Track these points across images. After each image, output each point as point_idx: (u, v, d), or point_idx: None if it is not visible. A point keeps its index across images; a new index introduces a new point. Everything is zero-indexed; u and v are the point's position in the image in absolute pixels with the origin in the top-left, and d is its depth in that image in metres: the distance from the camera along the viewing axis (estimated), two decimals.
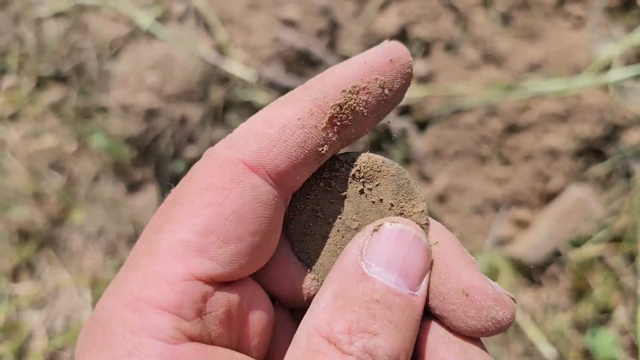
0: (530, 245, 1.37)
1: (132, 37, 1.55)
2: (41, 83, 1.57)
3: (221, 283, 0.44)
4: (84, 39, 1.56)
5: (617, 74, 1.38)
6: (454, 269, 0.46)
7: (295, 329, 0.51)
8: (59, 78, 1.57)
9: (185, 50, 1.50)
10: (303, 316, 0.52)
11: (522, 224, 1.41)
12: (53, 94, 1.56)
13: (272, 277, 0.50)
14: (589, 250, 1.35)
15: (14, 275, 1.49)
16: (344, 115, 0.47)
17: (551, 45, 1.42)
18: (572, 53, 1.41)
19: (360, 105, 0.47)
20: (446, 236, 0.49)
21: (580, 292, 1.37)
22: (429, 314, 0.48)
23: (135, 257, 0.43)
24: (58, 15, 1.58)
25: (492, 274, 1.38)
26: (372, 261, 0.44)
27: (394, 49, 0.49)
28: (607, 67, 1.39)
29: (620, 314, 1.34)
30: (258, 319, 0.47)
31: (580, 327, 1.35)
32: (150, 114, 1.49)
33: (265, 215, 0.45)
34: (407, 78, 0.50)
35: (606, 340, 1.31)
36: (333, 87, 0.47)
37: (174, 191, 0.45)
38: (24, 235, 1.51)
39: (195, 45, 1.51)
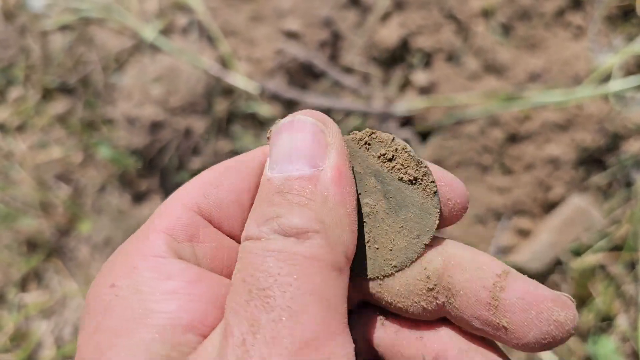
0: (532, 254, 1.38)
1: (136, 50, 1.56)
2: (47, 95, 1.58)
3: (216, 225, 0.48)
4: (90, 51, 1.57)
5: (618, 83, 1.38)
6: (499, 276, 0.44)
7: None
8: (65, 90, 1.58)
9: (189, 63, 1.52)
10: None
11: (524, 233, 1.42)
12: (59, 105, 1.57)
13: None
14: (590, 259, 1.36)
15: (23, 285, 1.51)
16: None
17: (552, 55, 1.43)
18: (572, 63, 1.42)
19: None
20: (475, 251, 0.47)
21: (581, 300, 1.37)
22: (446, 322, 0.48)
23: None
24: (64, 28, 1.60)
25: None
26: (273, 163, 0.45)
27: None
28: (607, 77, 1.40)
29: (622, 322, 1.35)
30: None
31: (582, 334, 1.36)
32: (155, 126, 1.50)
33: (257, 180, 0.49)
34: None
35: (608, 347, 1.32)
36: None
37: None
38: (31, 245, 1.52)
39: (198, 57, 1.52)
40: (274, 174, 0.44)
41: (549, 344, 0.43)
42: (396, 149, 0.50)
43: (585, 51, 1.42)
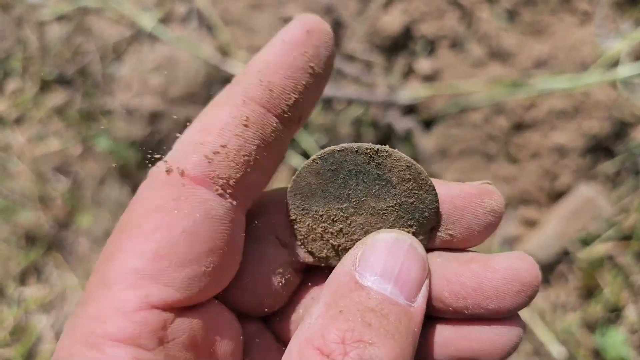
0: (539, 244, 1.36)
1: (135, 40, 1.54)
2: (45, 86, 1.57)
3: (182, 308, 0.41)
4: (87, 41, 1.56)
5: (625, 69, 1.36)
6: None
7: (270, 338, 0.51)
8: (63, 81, 1.57)
9: (189, 52, 1.50)
10: (277, 323, 0.52)
11: (530, 223, 1.40)
12: (57, 97, 1.56)
13: (237, 293, 0.48)
14: (598, 249, 1.34)
15: (22, 279, 1.50)
16: (279, 101, 0.45)
17: (558, 41, 1.41)
18: (579, 49, 1.40)
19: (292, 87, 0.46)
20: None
21: (589, 291, 1.35)
22: (432, 319, 0.47)
23: (89, 290, 0.41)
24: (61, 18, 1.58)
25: None
26: (366, 271, 0.42)
27: (309, 21, 0.47)
28: (614, 63, 1.37)
29: (630, 313, 1.33)
30: (227, 341, 0.45)
31: (590, 326, 1.34)
32: (155, 117, 1.48)
33: (220, 231, 0.42)
34: (329, 47, 0.48)
35: (616, 339, 1.31)
36: (260, 75, 0.45)
37: (123, 216, 0.43)
38: (31, 238, 1.51)
39: (198, 46, 1.50)
40: (367, 283, 0.41)
41: (489, 231, 0.47)
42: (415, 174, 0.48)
43: (592, 37, 1.40)
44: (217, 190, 0.43)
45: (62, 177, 1.53)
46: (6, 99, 1.58)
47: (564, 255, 1.37)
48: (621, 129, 1.38)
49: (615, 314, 1.34)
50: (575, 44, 1.40)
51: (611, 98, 1.36)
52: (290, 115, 0.46)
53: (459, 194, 0.47)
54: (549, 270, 1.37)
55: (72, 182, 1.52)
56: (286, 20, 1.49)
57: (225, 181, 0.43)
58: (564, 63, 1.39)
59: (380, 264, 0.42)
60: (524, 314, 1.36)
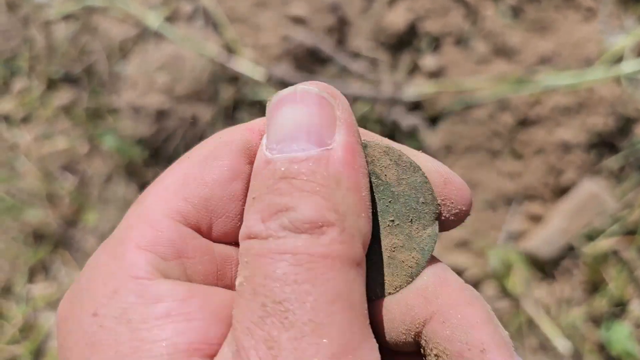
0: (543, 239, 1.36)
1: (141, 38, 1.55)
2: (52, 85, 1.58)
3: (204, 234, 0.42)
4: (93, 40, 1.56)
5: (630, 65, 1.36)
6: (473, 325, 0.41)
7: None
8: (70, 80, 1.57)
9: (195, 50, 1.50)
10: None
11: (535, 219, 1.40)
12: (64, 95, 1.57)
13: None
14: (603, 244, 1.35)
15: (30, 277, 1.50)
16: None
17: (562, 37, 1.41)
18: (583, 45, 1.40)
19: None
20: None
21: (594, 286, 1.36)
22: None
23: (128, 210, 0.42)
24: (67, 17, 1.58)
25: (506, 269, 1.37)
26: (272, 142, 0.39)
27: None
28: (619, 59, 1.38)
29: (635, 307, 1.34)
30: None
31: (595, 320, 1.35)
32: (161, 115, 1.49)
33: (249, 166, 0.43)
34: None
35: (621, 333, 1.31)
36: None
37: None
38: (38, 236, 1.52)
39: (204, 44, 1.50)
40: (274, 155, 0.38)
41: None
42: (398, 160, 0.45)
43: (596, 33, 1.40)
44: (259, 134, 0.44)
45: (69, 175, 1.53)
46: (13, 98, 1.58)
47: (569, 251, 1.37)
48: (625, 125, 1.38)
49: (620, 308, 1.35)
50: (579, 41, 1.40)
51: (615, 94, 1.37)
52: None
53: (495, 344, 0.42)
54: (554, 265, 1.38)
55: (79, 180, 1.53)
56: (292, 18, 1.49)
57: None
58: (568, 59, 1.40)
59: (279, 126, 0.39)
60: (529, 306, 1.37)
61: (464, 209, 0.45)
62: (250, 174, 0.42)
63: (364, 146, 0.44)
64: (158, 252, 0.39)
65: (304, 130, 0.38)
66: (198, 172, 0.41)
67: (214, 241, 0.42)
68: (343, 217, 0.37)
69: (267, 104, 0.41)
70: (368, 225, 0.39)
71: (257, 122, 0.45)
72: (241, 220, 0.42)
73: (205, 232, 0.42)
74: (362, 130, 0.46)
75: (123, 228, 0.40)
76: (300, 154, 0.38)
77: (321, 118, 0.39)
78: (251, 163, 0.43)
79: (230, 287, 0.42)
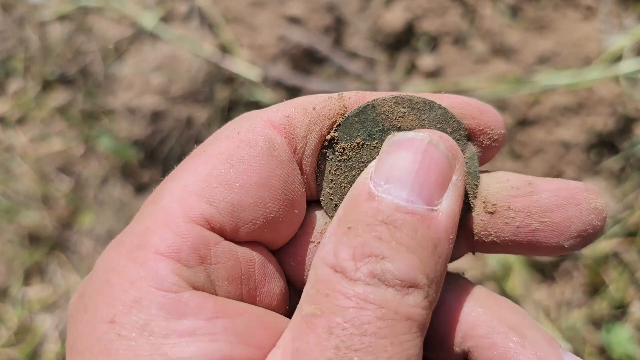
0: None
1: (136, 39, 1.54)
2: (47, 86, 1.57)
3: (227, 236, 0.41)
4: (89, 41, 1.55)
5: (629, 65, 1.35)
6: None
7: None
8: (65, 81, 1.57)
9: (190, 51, 1.49)
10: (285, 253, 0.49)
11: None
12: (59, 96, 1.56)
13: (290, 257, 0.46)
14: (603, 245, 1.34)
15: (26, 279, 1.50)
16: None
17: (561, 37, 1.40)
18: (582, 44, 1.39)
19: None
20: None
21: (595, 288, 1.35)
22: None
23: (141, 209, 0.41)
24: (62, 18, 1.58)
25: (505, 270, 1.36)
26: (381, 179, 0.38)
27: None
28: (618, 58, 1.36)
29: (636, 309, 1.33)
30: (275, 291, 0.43)
31: (596, 323, 1.34)
32: (157, 116, 1.48)
33: (276, 171, 0.42)
34: None
35: (622, 336, 1.30)
36: None
37: (201, 144, 0.44)
38: (34, 239, 1.51)
39: (199, 45, 1.50)
40: (380, 192, 0.38)
41: (590, 236, 0.42)
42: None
43: (595, 32, 1.39)
44: (282, 133, 0.43)
45: (65, 177, 1.53)
46: (9, 99, 1.58)
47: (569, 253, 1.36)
48: (625, 125, 1.37)
49: (620, 310, 1.34)
50: (578, 40, 1.39)
51: (615, 94, 1.36)
52: None
53: (563, 185, 0.43)
54: (554, 267, 1.37)
55: (75, 182, 1.52)
56: (288, 18, 1.48)
57: (295, 132, 0.43)
58: (568, 59, 1.39)
59: (395, 167, 0.38)
60: (529, 309, 1.36)
61: (502, 132, 0.47)
62: (278, 176, 0.42)
63: (372, 106, 0.45)
64: (181, 259, 0.37)
65: (418, 182, 0.38)
66: (223, 175, 0.40)
67: (238, 243, 0.41)
68: (430, 283, 0.37)
69: (390, 137, 0.41)
70: (438, 295, 0.39)
71: (276, 113, 0.43)
72: (269, 224, 0.42)
73: (230, 236, 0.41)
74: (364, 93, 0.46)
75: (141, 231, 0.39)
76: (408, 206, 0.37)
77: (437, 177, 0.39)
78: (280, 165, 0.42)
79: (254, 291, 0.42)
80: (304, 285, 0.42)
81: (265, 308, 0.42)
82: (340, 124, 0.46)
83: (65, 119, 1.54)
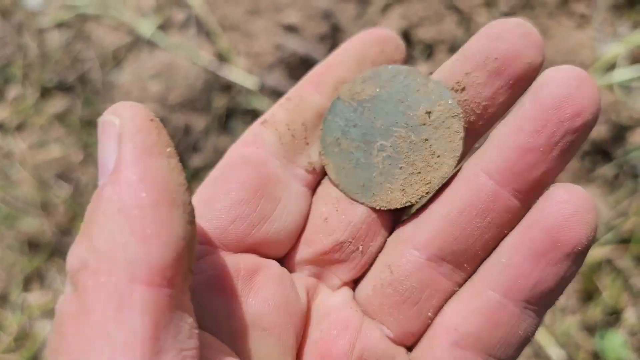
0: None
1: (134, 46, 1.55)
2: (46, 93, 1.57)
3: (213, 246, 0.45)
4: (87, 48, 1.56)
5: (623, 73, 1.36)
6: None
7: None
8: (63, 88, 1.57)
9: (188, 59, 1.50)
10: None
11: None
12: (58, 103, 1.56)
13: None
14: (597, 252, 1.34)
15: (26, 285, 1.50)
16: None
17: (556, 44, 1.41)
18: (576, 52, 1.39)
19: None
20: None
21: (588, 294, 1.36)
22: None
23: None
24: (60, 25, 1.58)
25: None
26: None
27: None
28: (612, 66, 1.37)
29: (630, 315, 1.34)
30: (265, 297, 0.45)
31: (589, 329, 1.34)
32: None
33: (269, 180, 0.47)
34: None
35: (615, 342, 1.31)
36: None
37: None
38: (33, 245, 1.51)
39: (197, 53, 1.50)
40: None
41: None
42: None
43: (589, 40, 1.40)
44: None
45: (64, 184, 1.53)
46: (7, 106, 1.58)
47: None
48: (619, 133, 1.38)
49: (614, 316, 1.34)
50: (573, 48, 1.40)
51: (609, 101, 1.36)
52: None
53: None
54: None
55: (74, 189, 1.53)
56: (285, 26, 1.49)
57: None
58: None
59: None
60: None
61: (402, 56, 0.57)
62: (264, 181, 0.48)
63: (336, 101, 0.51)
64: None
65: (101, 163, 0.36)
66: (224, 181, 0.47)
67: (224, 252, 0.46)
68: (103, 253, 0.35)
69: None
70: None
71: None
72: (264, 231, 0.47)
73: (214, 244, 0.45)
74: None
75: None
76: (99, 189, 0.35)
77: (102, 144, 0.37)
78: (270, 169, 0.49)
79: (238, 301, 0.44)
80: None
81: (257, 313, 0.45)
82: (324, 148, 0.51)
83: (64, 126, 1.55)
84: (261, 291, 0.44)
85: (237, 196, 0.46)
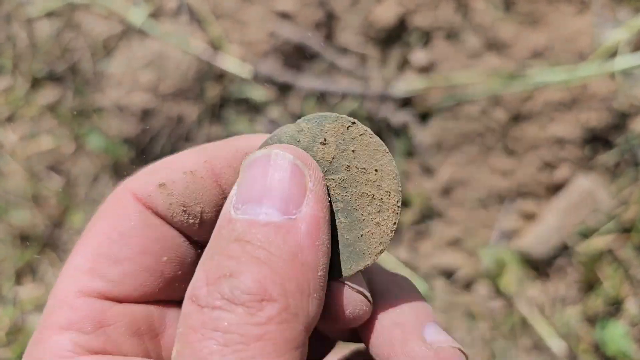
0: (537, 238, 1.34)
1: (125, 35, 1.52)
2: (36, 84, 1.55)
3: (123, 300, 0.43)
4: (77, 38, 1.54)
5: (624, 60, 1.33)
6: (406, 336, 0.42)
7: None
8: (54, 78, 1.55)
9: (180, 47, 1.48)
10: None
11: (529, 217, 1.38)
12: (49, 94, 1.54)
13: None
14: (598, 242, 1.33)
15: (17, 279, 1.49)
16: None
17: (555, 31, 1.38)
18: (576, 39, 1.37)
19: None
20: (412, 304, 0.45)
21: (589, 285, 1.34)
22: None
23: (51, 291, 0.45)
24: (50, 14, 1.56)
25: (499, 268, 1.36)
26: (239, 202, 0.37)
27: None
28: (613, 54, 1.35)
29: (631, 306, 1.32)
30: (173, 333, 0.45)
31: (590, 320, 1.33)
32: (146, 114, 1.46)
33: (152, 238, 0.44)
34: None
35: (616, 333, 1.29)
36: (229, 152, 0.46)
37: (87, 225, 0.47)
38: (25, 238, 1.50)
39: (189, 41, 1.48)
40: (238, 215, 0.37)
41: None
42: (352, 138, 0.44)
43: (589, 26, 1.37)
44: (149, 209, 0.45)
45: (55, 176, 1.52)
46: None
47: (563, 249, 1.35)
48: (620, 120, 1.36)
49: (615, 307, 1.33)
50: (572, 34, 1.38)
51: (610, 89, 1.34)
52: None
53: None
54: (548, 264, 1.36)
55: (65, 181, 1.51)
56: (278, 13, 1.46)
57: (158, 209, 0.45)
58: (561, 53, 1.37)
59: (249, 187, 0.38)
60: (522, 306, 1.35)
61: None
62: (155, 241, 0.44)
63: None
64: (79, 329, 0.40)
65: (271, 195, 0.37)
66: (108, 251, 0.43)
67: (138, 302, 0.44)
68: (289, 295, 0.34)
69: (243, 161, 0.40)
70: (318, 308, 0.37)
71: (143, 188, 0.45)
72: (161, 282, 0.44)
73: (126, 299, 0.43)
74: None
75: (45, 315, 0.42)
76: (262, 218, 0.36)
77: (291, 186, 0.37)
78: (156, 230, 0.45)
79: (156, 337, 0.45)
80: None
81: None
82: None
83: (55, 117, 1.53)
84: (174, 328, 0.47)
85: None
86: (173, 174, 0.45)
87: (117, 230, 0.43)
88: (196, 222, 0.45)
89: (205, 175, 0.45)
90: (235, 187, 0.39)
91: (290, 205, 0.37)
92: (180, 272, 0.46)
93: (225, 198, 0.45)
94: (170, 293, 0.45)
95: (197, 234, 0.46)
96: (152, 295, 0.44)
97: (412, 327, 0.42)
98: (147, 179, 0.45)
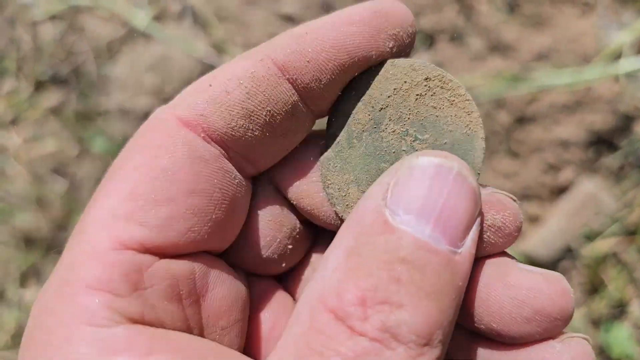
0: (541, 241, 1.34)
1: (128, 38, 1.52)
2: (40, 87, 1.55)
3: (162, 254, 0.37)
4: (81, 41, 1.54)
5: (629, 63, 1.33)
6: None
7: (285, 299, 0.46)
8: (58, 81, 1.55)
9: (183, 50, 1.48)
10: (290, 283, 0.47)
11: (533, 219, 1.38)
12: (52, 97, 1.55)
13: (243, 252, 0.44)
14: (602, 245, 1.33)
15: (22, 282, 1.49)
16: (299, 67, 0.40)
17: (559, 33, 1.38)
18: (580, 41, 1.37)
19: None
20: None
21: (593, 288, 1.34)
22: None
23: (71, 237, 0.37)
24: (53, 17, 1.56)
25: None
26: (399, 207, 0.32)
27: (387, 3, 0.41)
28: (617, 56, 1.34)
29: (635, 309, 1.32)
30: (222, 295, 0.40)
31: (595, 322, 1.33)
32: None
33: (203, 174, 0.38)
34: (403, 36, 0.43)
35: (621, 335, 1.29)
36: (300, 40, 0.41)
37: (115, 160, 0.40)
38: (29, 241, 1.50)
39: (193, 44, 1.48)
40: (398, 224, 0.32)
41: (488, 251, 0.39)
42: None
43: (593, 28, 1.37)
44: (201, 134, 0.39)
45: (59, 179, 1.52)
46: (1, 100, 1.56)
47: (568, 252, 1.35)
48: (624, 123, 1.36)
49: (619, 309, 1.33)
50: (576, 36, 1.37)
51: (614, 91, 1.34)
52: (312, 98, 0.40)
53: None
54: (552, 267, 1.36)
55: (70, 184, 1.51)
56: (282, 16, 1.46)
57: (215, 129, 0.39)
58: (565, 56, 1.37)
59: (418, 197, 0.33)
60: None
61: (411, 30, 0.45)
62: (206, 178, 0.38)
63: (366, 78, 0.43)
64: (112, 290, 0.34)
65: (443, 218, 0.33)
66: (148, 190, 0.36)
67: (180, 257, 0.38)
68: (445, 340, 0.31)
69: (412, 159, 0.35)
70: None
71: (189, 111, 0.39)
72: (209, 229, 0.38)
73: (168, 252, 0.37)
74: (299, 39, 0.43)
75: (68, 265, 0.36)
76: (432, 244, 0.32)
77: (466, 215, 0.34)
78: (206, 165, 0.38)
79: (197, 302, 0.39)
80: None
81: (215, 313, 0.39)
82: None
83: (59, 120, 1.53)
84: (216, 291, 0.40)
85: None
86: (226, 85, 0.39)
87: (159, 165, 0.37)
88: (266, 133, 0.40)
89: (267, 73, 0.39)
90: (388, 181, 0.35)
91: (458, 236, 0.33)
92: (233, 213, 0.41)
93: (298, 92, 0.40)
94: (218, 242, 0.40)
95: (261, 150, 0.41)
96: (198, 245, 0.38)
97: (500, 261, 0.38)
98: (193, 98, 0.40)
